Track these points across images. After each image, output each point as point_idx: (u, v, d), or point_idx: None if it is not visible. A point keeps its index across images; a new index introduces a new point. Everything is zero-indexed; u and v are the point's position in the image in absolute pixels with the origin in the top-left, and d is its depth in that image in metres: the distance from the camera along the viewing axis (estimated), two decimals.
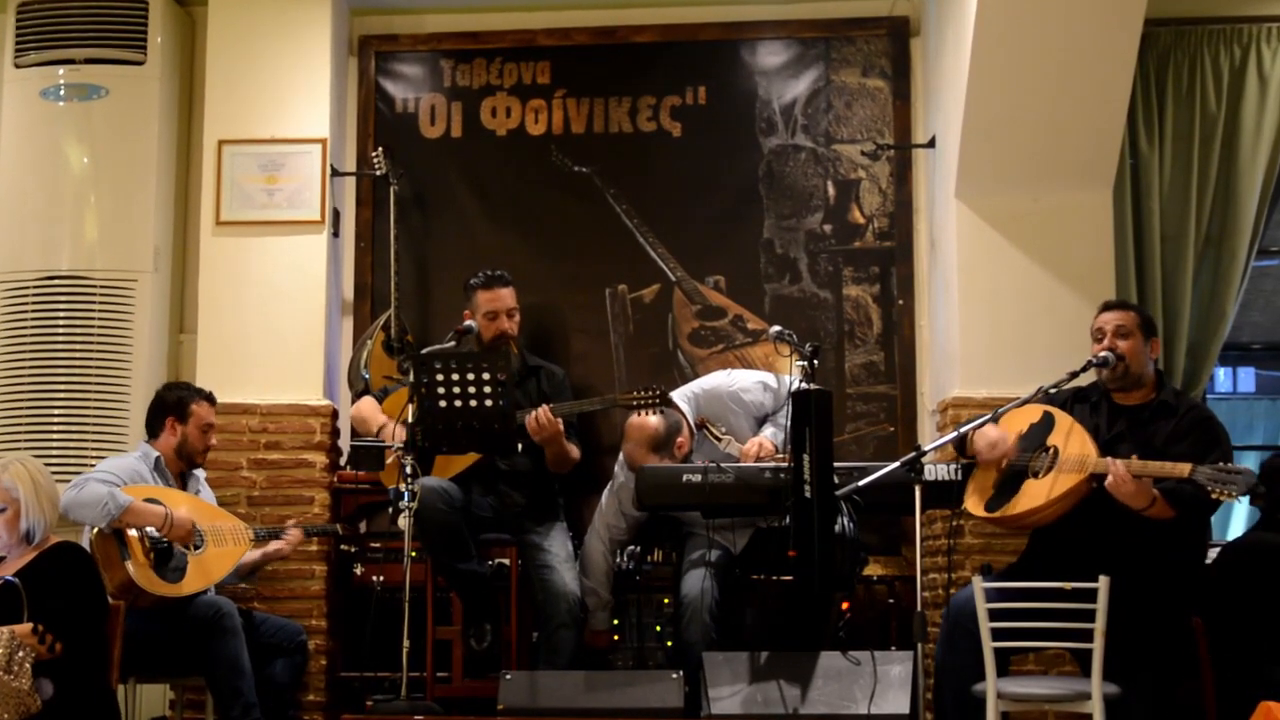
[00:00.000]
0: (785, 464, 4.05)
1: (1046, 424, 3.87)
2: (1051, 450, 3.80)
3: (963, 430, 3.93)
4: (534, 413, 4.37)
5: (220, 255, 4.98)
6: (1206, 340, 4.88)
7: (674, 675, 3.98)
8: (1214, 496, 3.47)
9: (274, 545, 4.40)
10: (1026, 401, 3.90)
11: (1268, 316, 7.17)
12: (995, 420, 3.88)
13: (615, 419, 4.93)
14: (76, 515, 3.99)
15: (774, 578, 4.41)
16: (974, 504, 3.90)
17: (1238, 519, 7.16)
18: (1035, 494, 3.75)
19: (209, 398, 4.40)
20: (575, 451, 4.59)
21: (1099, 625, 3.41)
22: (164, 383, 4.64)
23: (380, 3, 5.32)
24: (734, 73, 5.27)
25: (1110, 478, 3.61)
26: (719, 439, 4.45)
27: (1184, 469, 3.52)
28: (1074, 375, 3.91)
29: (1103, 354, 3.88)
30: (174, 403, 4.34)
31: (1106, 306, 4.01)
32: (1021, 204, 4.72)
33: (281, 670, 4.29)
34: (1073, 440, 3.77)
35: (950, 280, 4.79)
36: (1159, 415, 3.87)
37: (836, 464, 3.91)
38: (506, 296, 4.63)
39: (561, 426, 4.42)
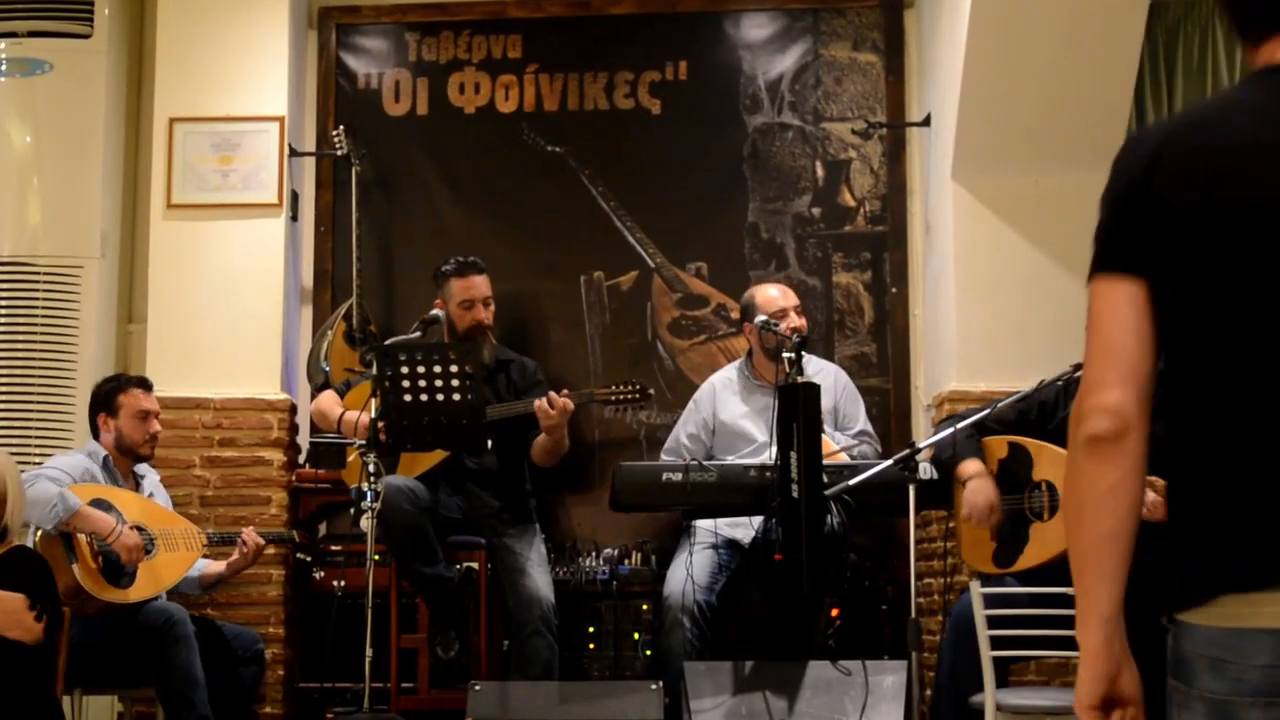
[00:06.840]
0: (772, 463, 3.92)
1: (1019, 457, 3.69)
2: (1044, 485, 3.62)
3: (946, 454, 3.74)
4: (549, 394, 4.24)
5: (171, 240, 4.87)
6: None
7: (653, 686, 3.89)
8: None
9: (235, 556, 4.28)
10: (1026, 396, 3.76)
11: None
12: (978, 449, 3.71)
13: (592, 414, 4.88)
14: (24, 514, 3.85)
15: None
16: (978, 558, 3.74)
17: None
18: (1048, 540, 3.56)
19: (141, 383, 4.28)
20: (566, 441, 4.50)
21: None
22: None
23: None
24: (716, 47, 5.16)
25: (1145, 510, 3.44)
26: None
27: None
28: (1077, 367, 3.76)
29: None
30: (101, 398, 4.25)
31: None
32: (1022, 185, 4.64)
33: (237, 681, 4.17)
34: (1061, 469, 3.60)
35: (946, 267, 4.71)
36: None
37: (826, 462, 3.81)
38: (481, 284, 4.51)
39: (571, 410, 4.28)
